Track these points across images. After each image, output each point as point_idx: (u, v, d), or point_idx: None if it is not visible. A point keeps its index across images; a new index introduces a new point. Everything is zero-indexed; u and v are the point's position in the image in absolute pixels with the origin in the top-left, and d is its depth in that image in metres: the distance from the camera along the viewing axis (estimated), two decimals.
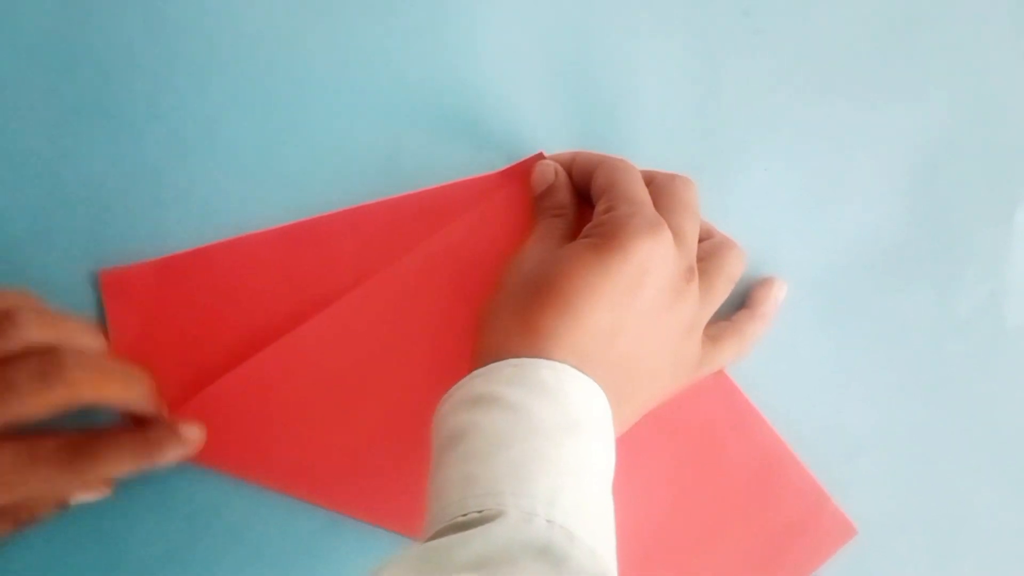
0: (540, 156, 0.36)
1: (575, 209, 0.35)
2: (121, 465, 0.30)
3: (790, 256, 0.38)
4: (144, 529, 0.35)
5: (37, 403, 0.27)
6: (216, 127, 0.35)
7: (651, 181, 0.34)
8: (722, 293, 0.35)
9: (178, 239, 0.35)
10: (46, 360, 0.27)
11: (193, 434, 0.32)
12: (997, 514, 0.39)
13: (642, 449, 0.36)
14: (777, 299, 0.37)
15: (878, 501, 0.39)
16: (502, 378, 0.29)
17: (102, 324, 0.34)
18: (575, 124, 0.37)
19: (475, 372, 0.30)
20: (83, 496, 0.32)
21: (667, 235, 0.31)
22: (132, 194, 0.35)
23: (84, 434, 0.30)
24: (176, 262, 0.34)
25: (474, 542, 0.24)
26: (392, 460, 0.35)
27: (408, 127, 0.36)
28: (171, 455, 0.31)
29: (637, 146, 0.38)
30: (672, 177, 0.34)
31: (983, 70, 0.39)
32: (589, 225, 0.32)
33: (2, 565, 0.34)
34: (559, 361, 0.29)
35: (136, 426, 0.31)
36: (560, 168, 0.36)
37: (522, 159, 0.36)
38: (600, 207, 0.33)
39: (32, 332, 0.28)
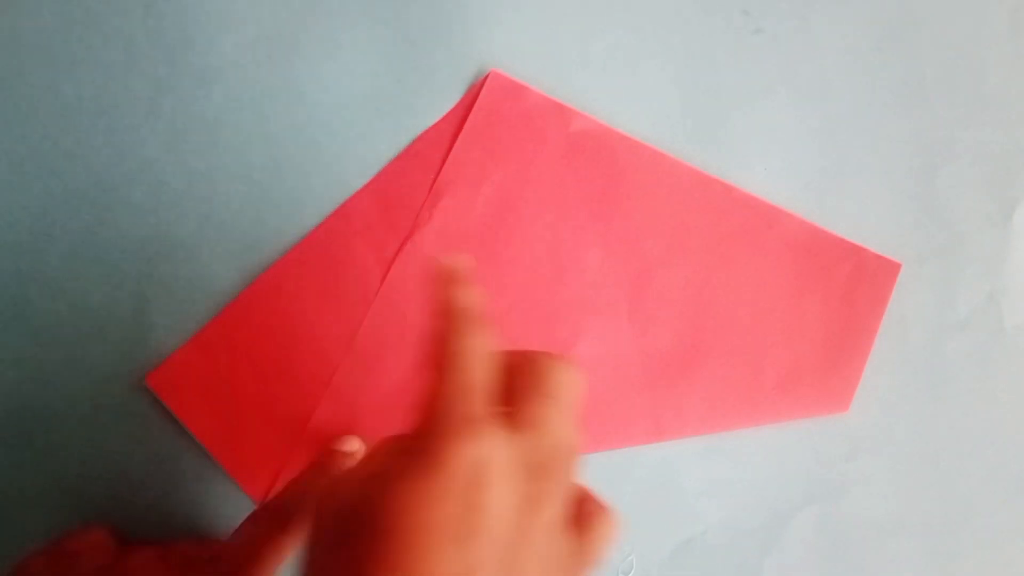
0: (494, 74, 0.36)
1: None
2: None
3: None
4: (144, 529, 0.35)
5: None
6: (216, 127, 0.35)
7: (519, 363, 0.27)
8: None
9: (178, 239, 0.35)
10: None
11: None
12: (997, 514, 0.39)
13: (709, 280, 0.38)
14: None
15: (878, 501, 0.39)
16: None
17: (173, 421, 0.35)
18: None
19: None
20: None
21: (490, 431, 0.23)
22: (132, 194, 0.35)
23: None
24: (210, 331, 0.35)
25: None
26: None
27: (408, 127, 0.36)
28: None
29: None
30: (539, 358, 0.26)
31: (983, 70, 0.39)
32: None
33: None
34: None
35: None
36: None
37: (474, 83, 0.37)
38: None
39: None
